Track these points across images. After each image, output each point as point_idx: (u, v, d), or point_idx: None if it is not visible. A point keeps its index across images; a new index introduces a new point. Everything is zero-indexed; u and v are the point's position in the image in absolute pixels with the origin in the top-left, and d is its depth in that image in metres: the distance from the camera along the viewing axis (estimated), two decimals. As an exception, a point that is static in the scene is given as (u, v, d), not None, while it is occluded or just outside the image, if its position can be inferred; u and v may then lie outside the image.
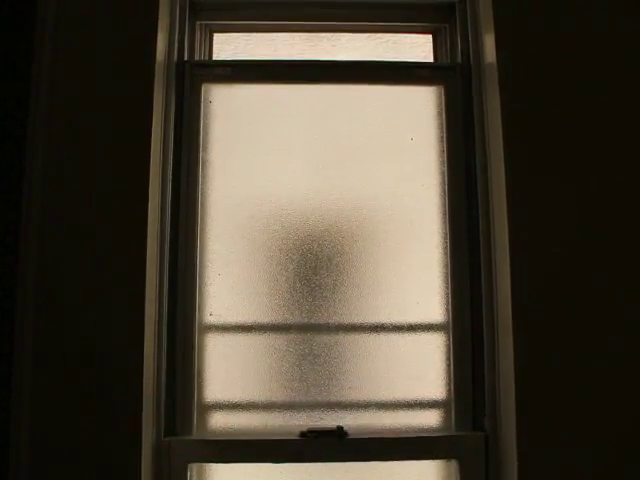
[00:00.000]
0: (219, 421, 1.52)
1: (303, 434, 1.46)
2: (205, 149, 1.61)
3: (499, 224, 1.48)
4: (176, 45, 1.63)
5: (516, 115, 1.46)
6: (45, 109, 1.42)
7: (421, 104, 1.66)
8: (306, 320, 1.55)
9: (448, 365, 1.54)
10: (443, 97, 1.65)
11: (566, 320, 1.39)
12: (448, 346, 1.55)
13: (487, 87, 1.56)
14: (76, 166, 1.42)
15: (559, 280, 1.40)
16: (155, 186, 1.47)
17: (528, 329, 1.38)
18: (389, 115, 1.64)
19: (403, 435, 1.50)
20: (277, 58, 1.75)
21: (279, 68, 1.67)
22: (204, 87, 1.64)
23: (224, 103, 1.64)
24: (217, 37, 1.80)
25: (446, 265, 1.58)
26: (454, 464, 1.48)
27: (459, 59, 1.68)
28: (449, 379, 1.53)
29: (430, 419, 1.53)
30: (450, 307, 1.56)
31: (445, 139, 1.63)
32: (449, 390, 1.53)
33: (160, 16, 1.50)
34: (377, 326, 1.55)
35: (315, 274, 1.57)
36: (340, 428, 1.46)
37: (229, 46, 1.79)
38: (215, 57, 1.78)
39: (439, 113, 1.65)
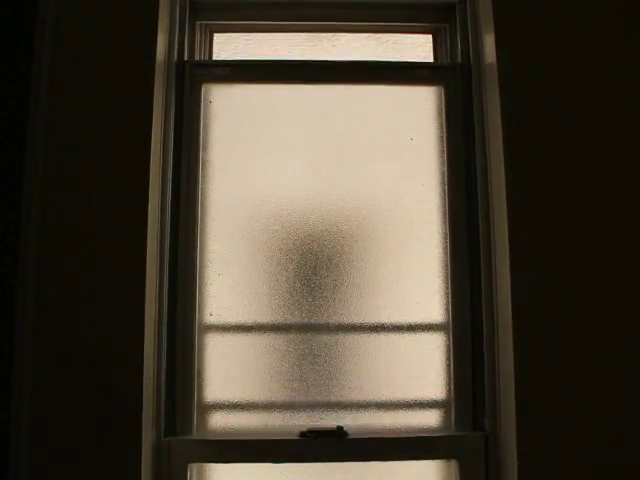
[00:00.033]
0: (219, 421, 1.52)
1: (303, 434, 1.46)
2: (205, 149, 1.61)
3: (499, 224, 1.48)
4: (176, 45, 1.63)
5: (516, 115, 1.46)
6: (45, 109, 1.42)
7: (421, 104, 1.66)
8: (306, 320, 1.55)
9: (448, 365, 1.54)
10: (443, 97, 1.65)
11: (566, 320, 1.39)
12: (448, 346, 1.55)
13: (487, 87, 1.56)
14: (76, 166, 1.42)
15: (559, 280, 1.40)
16: (155, 186, 1.47)
17: (528, 329, 1.38)
18: (389, 115, 1.64)
19: (403, 435, 1.50)
20: (277, 58, 1.75)
21: (279, 68, 1.67)
22: (204, 87, 1.64)
23: (224, 103, 1.64)
24: (217, 37, 1.80)
25: (446, 265, 1.58)
26: (454, 464, 1.48)
27: (459, 59, 1.68)
28: (449, 379, 1.53)
29: (430, 419, 1.53)
30: (450, 307, 1.56)
31: (445, 139, 1.63)
32: (449, 390, 1.53)
33: (160, 16, 1.50)
34: (377, 326, 1.55)
35: (315, 274, 1.57)
36: (340, 428, 1.46)
37: (229, 46, 1.79)
38: (215, 57, 1.78)
39: (439, 113, 1.65)
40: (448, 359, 1.54)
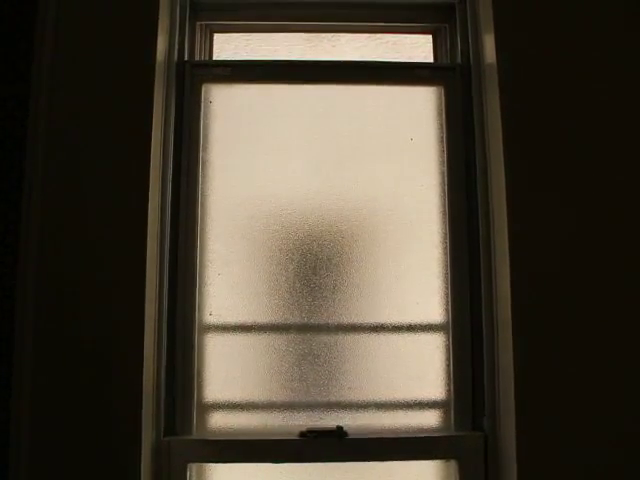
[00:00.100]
0: (219, 421, 1.52)
1: (303, 434, 1.46)
2: (205, 149, 1.61)
3: (499, 224, 1.48)
4: (176, 45, 1.63)
5: (516, 115, 1.46)
6: (45, 109, 1.42)
7: (421, 104, 1.66)
8: (306, 320, 1.55)
9: (448, 365, 1.54)
10: (443, 97, 1.65)
11: (566, 320, 1.39)
12: (448, 346, 1.55)
13: (487, 88, 1.56)
14: (76, 166, 1.42)
15: (559, 280, 1.40)
16: (155, 186, 1.47)
17: (527, 329, 1.38)
18: (389, 115, 1.64)
19: (403, 435, 1.50)
20: (277, 58, 1.75)
21: (279, 68, 1.67)
22: (204, 87, 1.64)
23: (224, 103, 1.64)
24: (217, 37, 1.80)
25: (446, 265, 1.58)
26: (453, 464, 1.48)
27: (459, 59, 1.68)
28: (449, 379, 1.53)
29: (430, 419, 1.53)
30: (450, 307, 1.56)
31: (445, 139, 1.63)
32: (449, 390, 1.53)
33: (160, 16, 1.50)
34: (377, 326, 1.55)
35: (315, 274, 1.57)
36: (340, 428, 1.46)
37: (229, 46, 1.79)
38: (215, 57, 1.78)
39: (439, 113, 1.65)
40: (448, 359, 1.54)
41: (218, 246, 1.57)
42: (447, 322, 1.56)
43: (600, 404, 1.36)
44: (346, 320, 1.55)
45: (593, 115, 1.46)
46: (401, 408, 1.53)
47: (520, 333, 1.38)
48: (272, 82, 1.65)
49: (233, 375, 1.53)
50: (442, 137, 1.63)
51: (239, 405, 1.52)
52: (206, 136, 1.62)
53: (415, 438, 1.49)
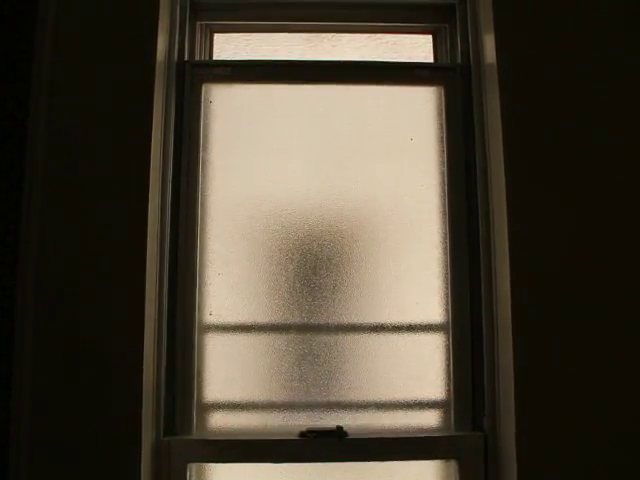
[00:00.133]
0: (219, 421, 1.52)
1: (303, 434, 1.46)
2: (205, 149, 1.61)
3: (499, 224, 1.48)
4: (176, 45, 1.63)
5: (516, 115, 1.46)
6: (45, 109, 1.42)
7: (421, 104, 1.66)
8: (306, 320, 1.55)
9: (448, 365, 1.54)
10: (443, 97, 1.65)
11: (566, 320, 1.39)
12: (448, 346, 1.55)
13: (487, 88, 1.56)
14: (76, 166, 1.42)
15: (559, 280, 1.40)
16: (155, 186, 1.47)
17: (527, 329, 1.38)
18: (389, 115, 1.65)
19: (403, 435, 1.50)
20: (277, 58, 1.75)
21: (279, 68, 1.67)
22: (204, 87, 1.64)
23: (224, 103, 1.64)
24: (217, 37, 1.80)
25: (446, 265, 1.58)
26: (453, 464, 1.48)
27: (459, 59, 1.68)
28: (449, 379, 1.53)
29: (429, 419, 1.53)
30: (450, 307, 1.56)
31: (445, 139, 1.63)
32: (448, 390, 1.53)
33: (160, 16, 1.50)
34: (377, 326, 1.55)
35: (315, 274, 1.57)
36: (340, 428, 1.46)
37: (229, 46, 1.79)
38: (215, 57, 1.78)
39: (439, 113, 1.65)
40: (448, 359, 1.54)
41: (218, 246, 1.57)
42: (447, 322, 1.56)
43: (600, 404, 1.36)
44: (346, 320, 1.56)
45: (593, 115, 1.46)
46: (401, 408, 1.53)
47: (520, 333, 1.38)
48: (272, 82, 1.65)
49: (233, 375, 1.53)
50: (442, 137, 1.63)
51: (239, 405, 1.52)
52: (206, 136, 1.62)
53: (415, 438, 1.49)
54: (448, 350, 1.55)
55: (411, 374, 1.53)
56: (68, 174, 1.42)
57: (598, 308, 1.39)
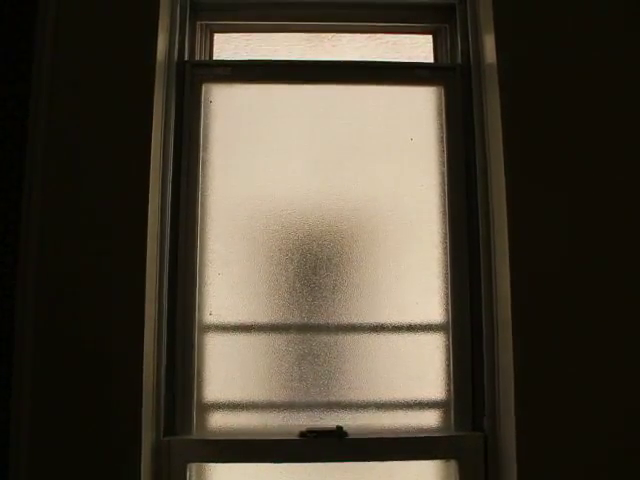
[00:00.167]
0: (219, 421, 1.52)
1: (303, 434, 1.46)
2: (205, 149, 1.61)
3: (499, 224, 1.48)
4: (176, 45, 1.63)
5: (516, 115, 1.46)
6: (45, 109, 1.42)
7: (421, 104, 1.66)
8: (306, 320, 1.55)
9: (448, 365, 1.54)
10: (443, 97, 1.66)
11: (566, 320, 1.39)
12: (448, 346, 1.55)
13: (487, 88, 1.56)
14: (76, 166, 1.42)
15: (559, 280, 1.40)
16: (155, 186, 1.47)
17: (528, 329, 1.38)
18: (389, 115, 1.65)
19: (403, 435, 1.50)
20: (277, 58, 1.75)
21: (279, 68, 1.67)
22: (204, 87, 1.65)
23: (224, 103, 1.64)
24: (217, 37, 1.80)
25: (446, 265, 1.58)
26: (453, 464, 1.48)
27: (459, 59, 1.68)
28: (449, 379, 1.53)
29: (429, 419, 1.53)
30: (450, 307, 1.56)
31: (445, 139, 1.63)
32: (448, 390, 1.53)
33: (160, 16, 1.50)
34: (377, 326, 1.55)
35: (315, 274, 1.57)
36: (340, 428, 1.46)
37: (229, 46, 1.79)
38: (215, 57, 1.78)
39: (439, 113, 1.65)
40: (448, 359, 1.54)
41: (218, 246, 1.57)
42: (447, 322, 1.56)
43: (600, 404, 1.36)
44: (346, 320, 1.56)
45: (593, 115, 1.46)
46: (401, 408, 1.53)
47: (520, 333, 1.38)
48: (272, 82, 1.65)
49: (233, 375, 1.53)
50: (442, 137, 1.64)
51: (239, 405, 1.52)
52: (206, 136, 1.62)
53: (415, 438, 1.49)
54: (448, 350, 1.55)
55: (411, 374, 1.53)
56: (68, 174, 1.42)
57: (598, 308, 1.39)
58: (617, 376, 1.37)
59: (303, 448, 1.46)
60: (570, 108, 1.46)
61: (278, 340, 1.54)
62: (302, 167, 1.61)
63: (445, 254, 1.58)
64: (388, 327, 1.55)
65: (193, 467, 1.47)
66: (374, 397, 1.53)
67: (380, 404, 1.52)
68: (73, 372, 1.34)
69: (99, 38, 1.47)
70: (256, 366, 1.53)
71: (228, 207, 1.59)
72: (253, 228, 1.58)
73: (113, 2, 1.48)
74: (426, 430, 1.52)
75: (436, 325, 1.56)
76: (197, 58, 1.72)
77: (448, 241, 1.58)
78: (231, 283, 1.56)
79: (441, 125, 1.64)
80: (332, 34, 1.80)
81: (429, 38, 1.80)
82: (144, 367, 1.35)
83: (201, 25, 1.76)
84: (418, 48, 1.80)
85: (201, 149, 1.61)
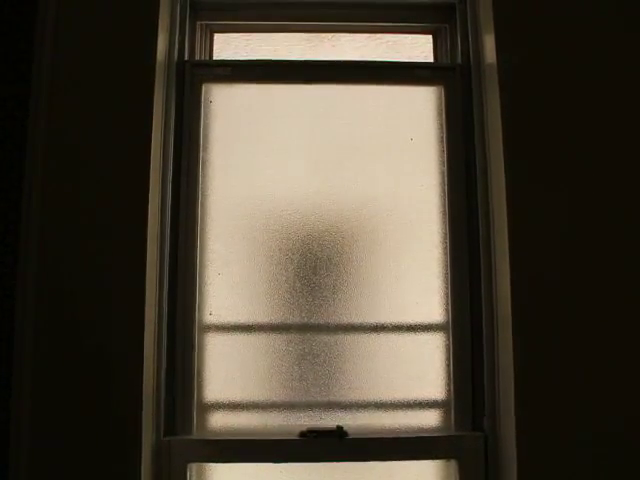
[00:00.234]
0: (219, 421, 1.52)
1: (303, 434, 1.46)
2: (205, 149, 1.61)
3: (499, 224, 1.48)
4: (176, 45, 1.63)
5: (516, 115, 1.46)
6: (45, 109, 1.42)
7: (421, 104, 1.66)
8: (306, 320, 1.55)
9: (448, 365, 1.54)
10: (443, 97, 1.66)
11: (566, 320, 1.39)
12: (448, 346, 1.55)
13: (487, 87, 1.57)
14: (76, 166, 1.42)
15: (559, 280, 1.40)
16: (155, 186, 1.47)
17: (528, 329, 1.38)
18: (389, 115, 1.65)
19: (403, 435, 1.50)
20: (277, 58, 1.75)
21: (279, 68, 1.67)
22: (204, 87, 1.65)
23: (224, 103, 1.64)
24: (217, 37, 1.80)
25: (446, 265, 1.58)
26: (453, 464, 1.48)
27: (459, 59, 1.68)
28: (449, 379, 1.54)
29: (429, 419, 1.53)
30: (450, 307, 1.56)
31: (445, 139, 1.63)
32: (449, 390, 1.53)
33: (160, 16, 1.50)
34: (377, 326, 1.55)
35: (315, 274, 1.57)
36: (340, 428, 1.46)
37: (229, 46, 1.79)
38: (215, 57, 1.78)
39: (439, 113, 1.65)
40: (448, 359, 1.54)
41: (218, 246, 1.57)
42: (447, 322, 1.56)
43: (600, 404, 1.36)
44: (346, 320, 1.56)
45: (593, 115, 1.46)
46: (401, 408, 1.53)
47: (520, 333, 1.38)
48: (272, 82, 1.65)
49: (233, 375, 1.53)
50: (442, 137, 1.64)
51: (239, 405, 1.52)
52: (206, 136, 1.62)
53: (415, 438, 1.49)
54: (448, 350, 1.55)
55: (411, 374, 1.53)
56: (68, 174, 1.42)
57: (598, 308, 1.39)
58: (617, 376, 1.37)
59: (303, 448, 1.46)
60: (570, 108, 1.46)
61: (278, 340, 1.54)
62: (302, 167, 1.61)
63: (445, 254, 1.58)
64: (388, 327, 1.55)
65: (193, 467, 1.47)
66: (374, 397, 1.53)
67: (380, 404, 1.52)
68: (73, 371, 1.34)
69: (99, 38, 1.47)
70: (256, 366, 1.53)
71: (228, 207, 1.59)
72: (253, 228, 1.58)
73: (113, 2, 1.48)
74: (426, 430, 1.52)
75: (436, 325, 1.56)
76: (197, 58, 1.72)
77: (448, 241, 1.58)
78: (231, 283, 1.56)
79: (441, 125, 1.64)
80: (332, 34, 1.80)
81: (429, 38, 1.80)
82: (144, 367, 1.35)
83: (201, 25, 1.76)
84: (418, 48, 1.80)
85: (201, 149, 1.61)
